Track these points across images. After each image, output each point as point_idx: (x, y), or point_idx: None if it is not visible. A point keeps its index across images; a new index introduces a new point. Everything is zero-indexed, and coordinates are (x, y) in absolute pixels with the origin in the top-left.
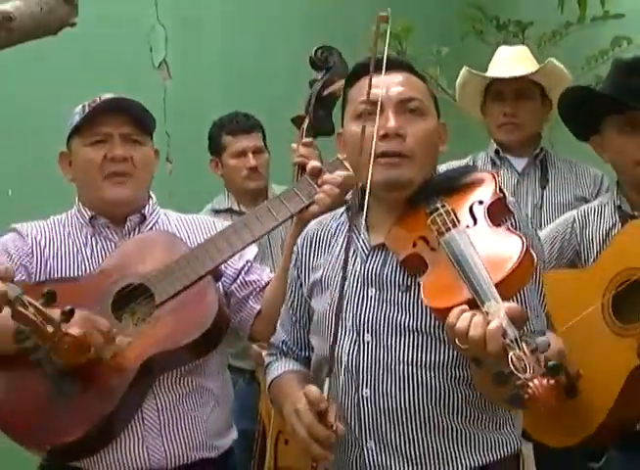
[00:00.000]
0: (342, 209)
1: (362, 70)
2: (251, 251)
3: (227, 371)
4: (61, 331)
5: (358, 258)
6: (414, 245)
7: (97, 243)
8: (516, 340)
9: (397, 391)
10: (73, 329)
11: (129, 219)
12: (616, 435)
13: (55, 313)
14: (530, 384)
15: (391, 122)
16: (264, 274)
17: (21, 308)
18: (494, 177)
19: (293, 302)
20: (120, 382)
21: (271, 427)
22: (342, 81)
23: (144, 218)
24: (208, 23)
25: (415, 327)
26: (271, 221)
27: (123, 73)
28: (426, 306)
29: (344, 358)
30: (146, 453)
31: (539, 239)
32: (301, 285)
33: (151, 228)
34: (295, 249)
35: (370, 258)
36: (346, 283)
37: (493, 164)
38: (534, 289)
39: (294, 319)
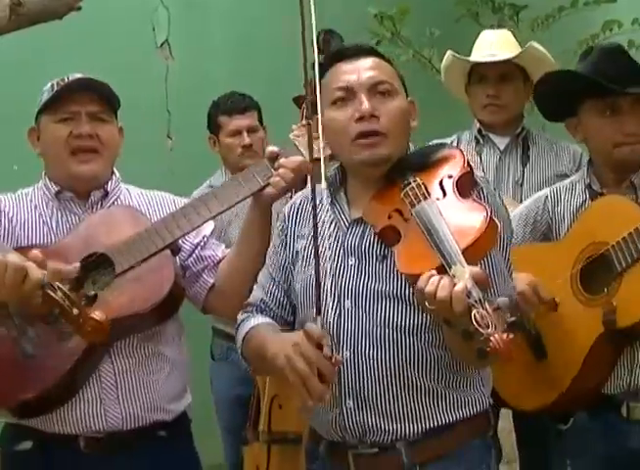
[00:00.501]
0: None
1: (334, 58)
2: (208, 227)
3: (183, 339)
4: (85, 314)
5: (340, 231)
6: (389, 217)
7: (62, 216)
8: (479, 300)
9: (375, 352)
10: (96, 313)
11: (93, 194)
12: (582, 398)
13: (79, 297)
14: (492, 338)
15: (365, 105)
16: (219, 250)
17: (50, 292)
18: (462, 153)
19: (274, 264)
20: (78, 344)
21: (266, 392)
22: None
23: (106, 194)
24: (213, 4)
25: (391, 294)
26: (228, 200)
27: (126, 53)
28: (400, 274)
29: (326, 323)
30: (103, 414)
31: (507, 210)
32: (286, 250)
33: (113, 203)
34: (282, 216)
35: (350, 230)
36: (329, 253)
37: (477, 142)
38: (501, 256)
39: (275, 280)
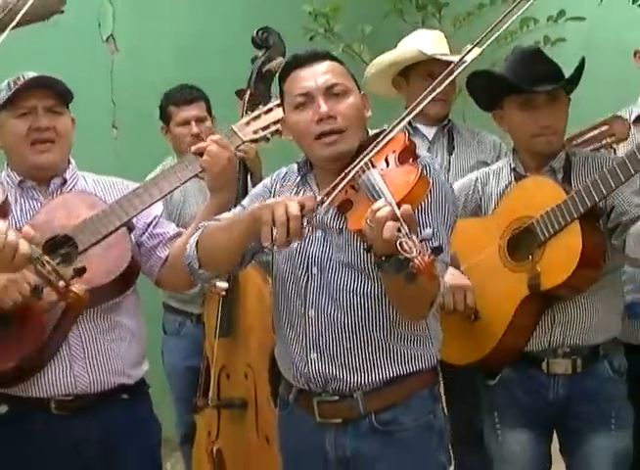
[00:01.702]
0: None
1: (292, 65)
2: (158, 208)
3: (140, 311)
4: (69, 288)
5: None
6: (346, 192)
7: (25, 202)
8: (406, 233)
9: (337, 313)
10: (76, 286)
11: (53, 182)
12: (508, 355)
13: (68, 272)
14: (416, 260)
15: (323, 108)
16: (170, 228)
17: (39, 267)
18: (405, 133)
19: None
20: (50, 317)
21: (214, 363)
22: (280, 59)
23: (65, 181)
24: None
25: (349, 263)
26: (176, 181)
27: (72, 48)
28: (357, 247)
29: (296, 287)
30: (73, 379)
31: (451, 187)
32: None
33: (71, 189)
34: (267, 183)
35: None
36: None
37: (407, 133)
38: (443, 221)
39: None
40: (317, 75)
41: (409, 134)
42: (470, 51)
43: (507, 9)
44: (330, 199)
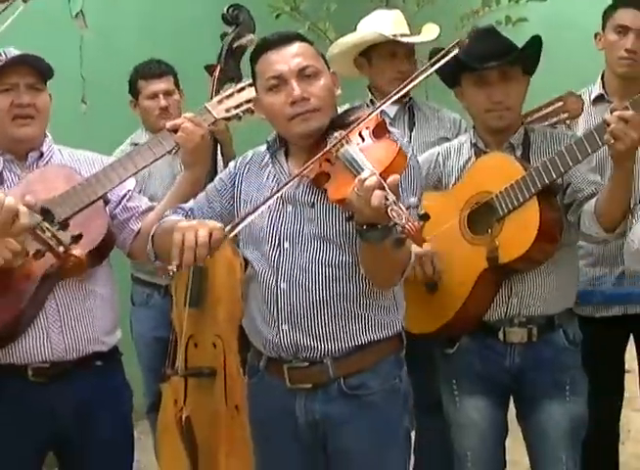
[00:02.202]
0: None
1: (263, 47)
2: (131, 182)
3: (113, 281)
4: (68, 252)
5: (279, 184)
6: (320, 165)
7: (3, 175)
8: (394, 201)
9: (308, 284)
10: (77, 251)
11: (30, 155)
12: (467, 325)
13: (66, 237)
14: (406, 226)
15: (297, 91)
16: (143, 202)
17: (39, 233)
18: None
19: (214, 197)
20: (28, 286)
21: (183, 333)
22: (251, 36)
23: (42, 154)
24: None
25: (321, 236)
26: (150, 156)
27: (42, 24)
28: (329, 219)
29: (268, 261)
30: (49, 346)
31: (417, 161)
32: (231, 195)
33: (47, 163)
34: (232, 169)
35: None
36: (271, 201)
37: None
38: (412, 192)
39: (209, 205)
40: (289, 58)
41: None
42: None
43: None
44: (307, 171)
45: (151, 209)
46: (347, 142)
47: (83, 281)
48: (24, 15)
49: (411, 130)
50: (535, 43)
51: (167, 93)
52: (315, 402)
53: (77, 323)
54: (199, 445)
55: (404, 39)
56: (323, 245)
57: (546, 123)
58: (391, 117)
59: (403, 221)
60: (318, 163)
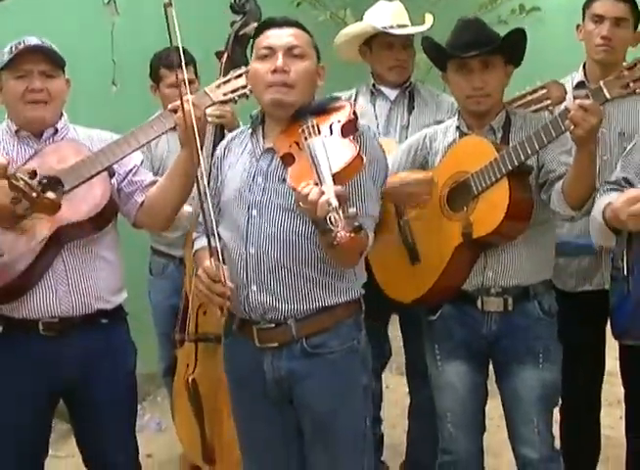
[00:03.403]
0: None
1: (265, 24)
2: (138, 157)
3: (118, 246)
4: (41, 196)
5: (254, 157)
6: (290, 146)
7: (21, 148)
8: (335, 208)
9: (274, 249)
10: (49, 194)
11: (45, 132)
12: (445, 294)
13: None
14: (338, 234)
15: (280, 61)
16: (148, 176)
17: (14, 181)
18: (351, 105)
19: (214, 187)
20: (36, 245)
21: (193, 301)
22: (255, 24)
23: (56, 130)
24: None
25: (287, 207)
26: (152, 133)
27: (75, 11)
28: (292, 191)
29: (238, 227)
30: (58, 302)
31: (383, 152)
32: (217, 181)
33: (62, 138)
34: (217, 153)
35: (262, 157)
36: (245, 174)
37: (371, 94)
38: (372, 183)
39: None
40: (283, 36)
41: (373, 94)
42: None
43: None
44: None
45: (154, 182)
46: (318, 132)
47: (89, 244)
48: (59, 2)
49: (410, 113)
50: (517, 35)
51: (189, 82)
52: (281, 360)
53: (83, 282)
54: (204, 406)
55: (396, 31)
56: (288, 215)
57: (531, 109)
58: (392, 100)
59: (338, 229)
60: (288, 143)
